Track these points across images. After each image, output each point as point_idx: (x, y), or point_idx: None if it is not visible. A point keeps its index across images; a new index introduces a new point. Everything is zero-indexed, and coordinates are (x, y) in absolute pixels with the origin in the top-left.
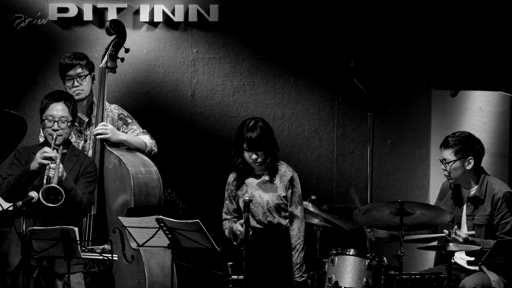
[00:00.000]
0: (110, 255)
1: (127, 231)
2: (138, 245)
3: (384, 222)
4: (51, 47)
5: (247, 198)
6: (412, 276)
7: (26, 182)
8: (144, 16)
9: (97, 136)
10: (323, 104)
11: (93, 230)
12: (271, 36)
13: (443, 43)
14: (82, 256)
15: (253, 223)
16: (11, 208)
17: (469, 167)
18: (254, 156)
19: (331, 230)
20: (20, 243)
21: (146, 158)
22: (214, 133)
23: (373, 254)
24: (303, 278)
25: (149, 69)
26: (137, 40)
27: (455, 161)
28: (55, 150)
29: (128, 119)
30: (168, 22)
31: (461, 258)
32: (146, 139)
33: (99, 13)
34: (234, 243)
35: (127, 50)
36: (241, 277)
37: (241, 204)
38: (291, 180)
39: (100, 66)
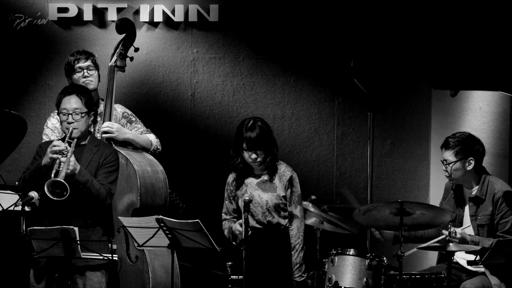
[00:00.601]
0: (111, 255)
1: (128, 231)
2: (138, 245)
3: (384, 222)
4: (51, 47)
5: (247, 198)
6: (412, 276)
7: (39, 177)
8: (144, 16)
9: (103, 135)
10: (323, 104)
11: None
12: (271, 36)
13: (443, 43)
14: (82, 256)
15: (252, 223)
16: (11, 208)
17: (469, 167)
18: (253, 156)
19: (331, 230)
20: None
21: (152, 158)
22: (214, 133)
23: (373, 254)
24: (303, 278)
25: (149, 69)
26: (137, 40)
27: (455, 162)
28: (66, 143)
29: (132, 117)
30: (168, 22)
31: (462, 258)
32: (152, 138)
33: (99, 13)
34: (233, 243)
35: (136, 49)
36: (240, 277)
37: (241, 204)
38: (291, 179)
39: (110, 64)
